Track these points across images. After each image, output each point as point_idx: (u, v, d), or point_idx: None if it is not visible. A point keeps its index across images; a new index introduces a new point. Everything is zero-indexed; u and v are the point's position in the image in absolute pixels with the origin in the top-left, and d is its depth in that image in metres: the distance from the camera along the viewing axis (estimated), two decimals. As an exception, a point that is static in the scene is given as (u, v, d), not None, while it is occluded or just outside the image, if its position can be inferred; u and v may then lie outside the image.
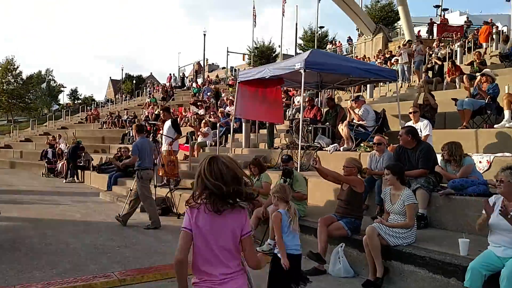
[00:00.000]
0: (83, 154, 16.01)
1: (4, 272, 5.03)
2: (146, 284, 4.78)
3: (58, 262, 5.51)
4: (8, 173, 19.49)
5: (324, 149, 9.53)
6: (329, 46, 34.99)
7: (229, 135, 12.75)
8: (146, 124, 12.82)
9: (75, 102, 72.70)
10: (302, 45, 45.38)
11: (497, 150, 7.06)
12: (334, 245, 5.39)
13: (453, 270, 4.24)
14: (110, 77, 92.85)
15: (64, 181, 15.44)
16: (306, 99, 11.71)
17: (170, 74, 38.68)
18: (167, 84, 35.40)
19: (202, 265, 2.27)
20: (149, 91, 38.94)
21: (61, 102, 79.86)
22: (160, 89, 35.45)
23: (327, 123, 10.62)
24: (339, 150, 9.21)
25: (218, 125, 12.89)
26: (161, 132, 10.95)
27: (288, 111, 14.34)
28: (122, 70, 71.14)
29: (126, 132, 21.47)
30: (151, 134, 9.81)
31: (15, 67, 57.62)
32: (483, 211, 3.98)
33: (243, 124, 12.34)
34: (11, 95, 54.85)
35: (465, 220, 5.35)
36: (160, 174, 9.89)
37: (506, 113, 7.90)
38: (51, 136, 23.87)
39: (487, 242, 4.06)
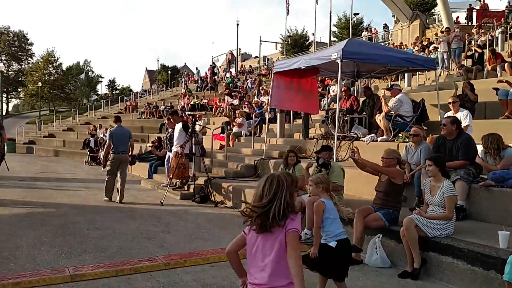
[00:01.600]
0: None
1: (56, 255, 5.39)
2: (188, 268, 5.00)
3: (106, 246, 5.84)
4: (52, 161, 20.42)
5: (360, 139, 9.50)
6: (364, 33, 34.32)
7: (264, 125, 12.88)
8: (183, 115, 13.07)
9: (113, 92, 74.72)
10: (336, 32, 44.77)
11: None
12: (371, 235, 5.46)
13: (492, 262, 4.23)
14: (146, 68, 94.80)
15: (101, 169, 16.01)
16: (342, 89, 11.65)
17: (211, 65, 39.09)
18: (209, 75, 35.70)
19: None
20: (184, 81, 39.53)
21: (99, 92, 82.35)
22: (199, 79, 35.84)
23: (364, 113, 10.55)
24: (376, 140, 9.16)
25: (252, 115, 13.03)
26: (199, 123, 11.19)
27: (323, 101, 14.32)
28: (158, 61, 72.27)
29: (164, 122, 21.99)
30: (190, 124, 10.02)
31: (55, 58, 59.77)
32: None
33: (277, 114, 12.43)
34: (52, 86, 56.98)
35: (505, 213, 5.29)
36: (170, 176, 9.95)
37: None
38: (92, 126, 24.73)
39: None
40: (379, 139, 9.21)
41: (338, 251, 4.00)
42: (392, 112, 9.26)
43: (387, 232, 5.39)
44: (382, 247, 5.28)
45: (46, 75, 57.23)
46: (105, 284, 4.43)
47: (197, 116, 12.47)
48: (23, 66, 60.73)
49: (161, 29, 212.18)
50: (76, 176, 14.61)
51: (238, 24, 45.46)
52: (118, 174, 9.22)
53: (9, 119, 52.96)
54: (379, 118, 9.34)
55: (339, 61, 8.45)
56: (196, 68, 61.43)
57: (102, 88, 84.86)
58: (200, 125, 11.09)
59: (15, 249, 5.55)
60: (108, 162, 9.43)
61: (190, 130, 9.39)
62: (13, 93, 62.26)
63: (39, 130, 31.47)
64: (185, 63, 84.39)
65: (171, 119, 10.82)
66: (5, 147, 11.01)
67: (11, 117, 58.17)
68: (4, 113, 62.50)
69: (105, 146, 10.19)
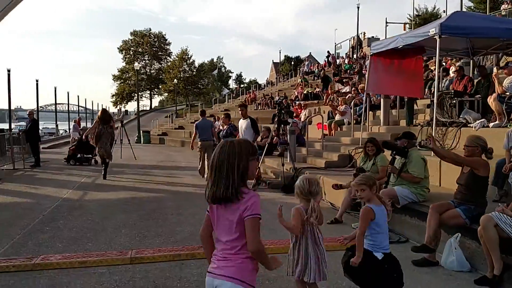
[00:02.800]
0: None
1: (132, 238, 5.81)
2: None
3: (180, 231, 6.12)
4: (177, 151, 22.28)
5: (469, 125, 8.35)
6: (504, 6, 29.96)
7: (371, 112, 12.15)
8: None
9: (240, 86, 78.47)
10: (472, 7, 40.09)
11: None
12: (450, 234, 4.75)
13: None
14: (273, 60, 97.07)
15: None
16: (454, 69, 10.37)
17: (330, 52, 38.52)
18: (326, 63, 35.17)
19: None
20: (301, 71, 39.50)
21: (230, 86, 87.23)
22: (316, 68, 35.53)
23: (478, 95, 9.23)
24: (487, 126, 7.96)
25: (352, 102, 12.39)
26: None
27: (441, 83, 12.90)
28: (280, 52, 73.56)
29: (276, 112, 22.32)
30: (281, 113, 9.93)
31: (189, 56, 64.86)
32: None
33: (382, 100, 11.60)
34: (186, 82, 62.06)
35: None
36: None
37: None
38: (212, 118, 26.29)
39: None
40: (490, 124, 7.99)
41: (385, 264, 3.51)
42: (507, 93, 7.94)
43: (468, 231, 4.64)
44: (460, 249, 4.56)
45: (181, 72, 62.53)
46: (158, 268, 4.64)
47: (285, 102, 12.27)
48: (162, 65, 67.18)
49: (286, 20, 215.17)
50: (191, 164, 15.64)
51: (358, 8, 43.91)
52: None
53: (152, 114, 59.40)
54: (491, 101, 8.08)
55: (437, 37, 7.51)
56: (311, 55, 61.06)
57: (232, 83, 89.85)
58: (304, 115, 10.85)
59: (100, 231, 6.14)
60: (197, 149, 10.90)
61: (276, 119, 9.31)
62: (155, 90, 69.33)
63: (171, 122, 34.59)
64: (310, 53, 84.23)
65: (240, 111, 10.50)
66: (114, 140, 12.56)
67: (154, 111, 65.14)
68: (148, 108, 70.57)
69: (192, 135, 11.48)
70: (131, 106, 71.46)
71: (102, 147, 10.82)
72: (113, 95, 66.50)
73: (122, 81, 65.90)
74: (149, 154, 19.60)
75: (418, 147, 6.15)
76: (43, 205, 7.83)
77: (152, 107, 72.48)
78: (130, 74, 68.47)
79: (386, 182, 5.96)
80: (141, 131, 29.76)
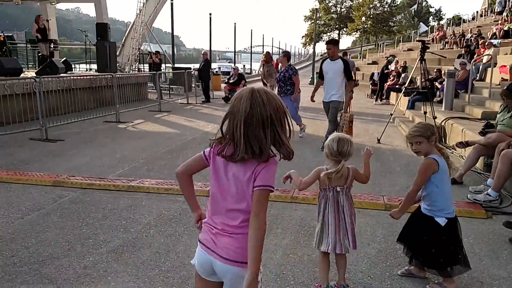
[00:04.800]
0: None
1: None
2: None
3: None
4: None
5: None
6: None
7: None
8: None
9: (440, 22, 70.05)
10: None
11: None
12: None
13: None
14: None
15: (373, 102, 15.93)
16: None
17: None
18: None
19: None
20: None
21: (431, 23, 78.82)
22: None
23: None
24: None
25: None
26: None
27: None
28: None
29: (462, 53, 19.32)
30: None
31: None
32: None
33: None
34: (375, 20, 58.59)
35: None
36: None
37: None
38: (390, 58, 24.44)
39: None
40: None
41: (448, 232, 2.92)
42: None
43: None
44: None
45: (372, 9, 59.13)
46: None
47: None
48: (353, 2, 64.60)
49: None
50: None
51: None
52: None
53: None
54: None
55: None
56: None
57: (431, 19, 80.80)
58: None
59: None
60: None
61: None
62: (344, 29, 67.71)
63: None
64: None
65: (330, 49, 7.56)
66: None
67: (340, 52, 63.97)
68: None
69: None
70: (320, 47, 71.97)
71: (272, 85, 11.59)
72: (302, 36, 67.89)
73: (312, 21, 66.56)
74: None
75: None
76: (182, 136, 8.73)
77: (340, 48, 71.42)
78: (320, 14, 68.38)
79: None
80: (314, 73, 29.74)
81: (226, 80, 17.28)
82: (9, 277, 3.05)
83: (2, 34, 14.77)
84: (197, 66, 17.58)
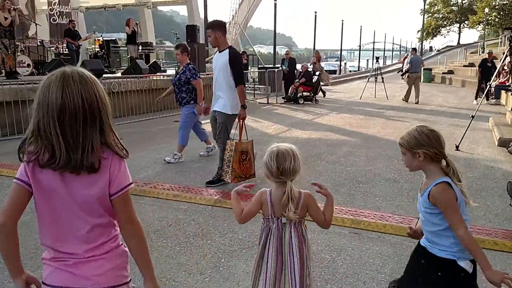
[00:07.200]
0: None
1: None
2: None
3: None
4: (445, 91, 19.84)
5: None
6: None
7: None
8: None
9: None
10: None
11: None
12: None
13: None
14: None
15: (485, 101, 13.88)
16: None
17: None
18: None
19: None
20: None
21: None
22: None
23: None
24: None
25: None
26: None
27: None
28: None
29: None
30: None
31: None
32: None
33: None
34: (502, 10, 51.94)
35: None
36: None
37: None
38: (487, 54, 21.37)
39: None
40: None
41: (474, 279, 2.07)
42: None
43: None
44: None
45: (497, 0, 52.54)
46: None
47: None
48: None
49: None
50: (442, 107, 13.44)
51: None
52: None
53: (455, 50, 53.24)
54: None
55: None
56: None
57: None
58: None
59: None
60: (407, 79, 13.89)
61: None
62: (466, 22, 61.31)
63: (464, 59, 30.14)
64: None
65: (209, 35, 5.10)
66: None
67: (460, 47, 58.22)
68: (456, 43, 63.63)
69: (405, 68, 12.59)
70: (437, 42, 66.54)
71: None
72: (418, 31, 63.56)
73: (430, 14, 62.16)
74: (401, 93, 17.75)
75: None
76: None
77: (460, 42, 65.05)
78: (439, 7, 62.80)
79: None
80: (422, 69, 27.21)
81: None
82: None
83: (101, 37, 16.03)
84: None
